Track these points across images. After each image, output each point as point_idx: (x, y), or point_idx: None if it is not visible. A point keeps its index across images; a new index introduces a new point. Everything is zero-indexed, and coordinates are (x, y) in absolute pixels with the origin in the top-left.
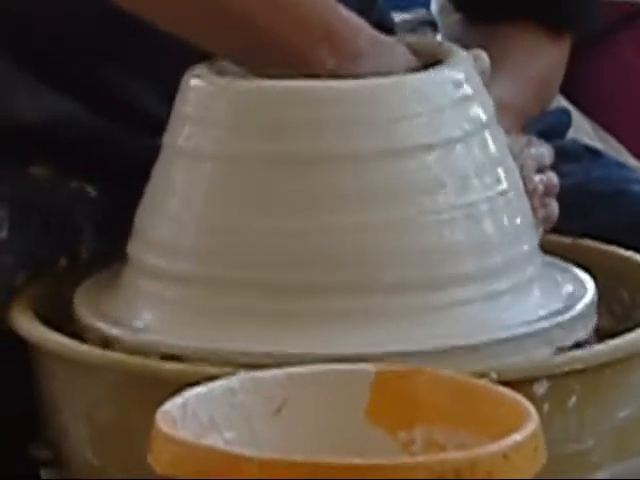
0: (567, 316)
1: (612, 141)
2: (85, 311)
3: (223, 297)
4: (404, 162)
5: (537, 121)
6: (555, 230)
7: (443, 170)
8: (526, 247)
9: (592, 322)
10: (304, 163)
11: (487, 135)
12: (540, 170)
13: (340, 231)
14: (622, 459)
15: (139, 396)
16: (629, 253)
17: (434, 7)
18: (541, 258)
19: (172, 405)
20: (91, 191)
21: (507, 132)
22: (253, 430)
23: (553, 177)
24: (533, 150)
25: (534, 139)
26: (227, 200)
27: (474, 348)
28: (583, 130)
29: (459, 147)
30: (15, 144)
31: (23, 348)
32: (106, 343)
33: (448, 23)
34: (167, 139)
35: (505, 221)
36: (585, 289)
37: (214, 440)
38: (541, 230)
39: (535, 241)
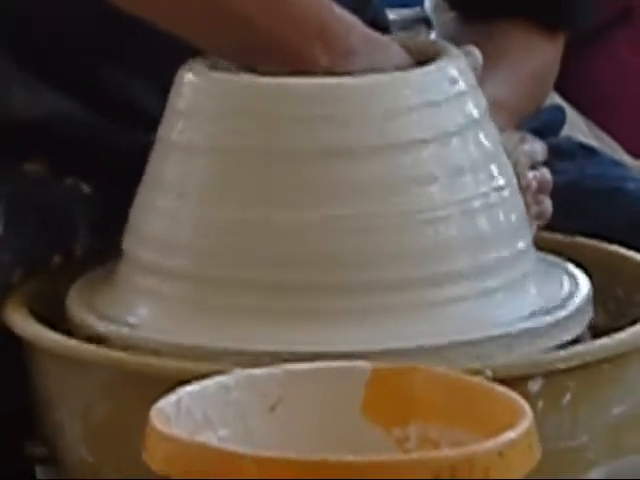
0: (562, 313)
1: (607, 139)
2: (79, 308)
3: (219, 294)
4: (399, 157)
5: (531, 118)
6: (550, 228)
7: (438, 165)
8: (520, 244)
9: (587, 319)
10: (299, 158)
11: (481, 131)
12: (533, 167)
13: (336, 228)
14: (617, 456)
15: (134, 393)
16: (624, 250)
17: (428, 5)
18: (535, 255)
19: (166, 402)
20: (86, 188)
21: (501, 130)
22: (248, 427)
23: (546, 174)
24: (526, 147)
25: (528, 136)
26: (222, 195)
27: (468, 345)
28: (578, 127)
29: (453, 142)
30: (11, 141)
31: (18, 345)
32: (100, 340)
33: (442, 21)
34: (161, 133)
35: (499, 218)
36: (580, 286)
37: (208, 437)
38: (534, 227)
39: (529, 238)
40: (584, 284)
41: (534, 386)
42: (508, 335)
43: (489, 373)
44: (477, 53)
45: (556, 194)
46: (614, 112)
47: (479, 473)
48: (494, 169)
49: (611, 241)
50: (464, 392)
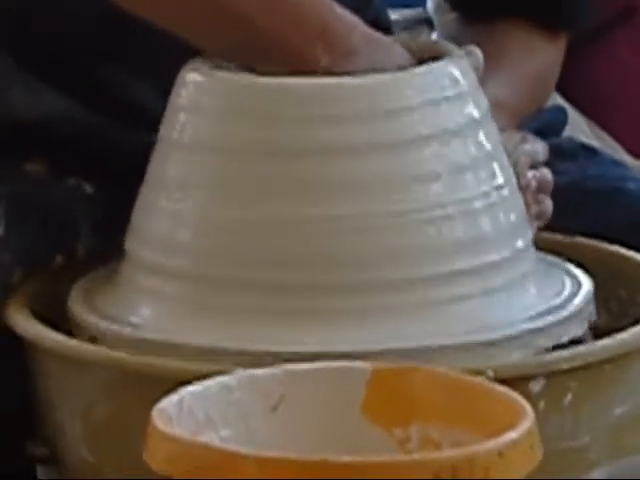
0: (563, 313)
1: (608, 139)
2: (81, 308)
3: (221, 294)
4: (400, 155)
5: (533, 119)
6: (551, 228)
7: (439, 163)
8: (520, 243)
9: (588, 319)
10: (299, 158)
11: (481, 131)
12: (534, 166)
13: (337, 227)
14: (618, 456)
15: (135, 393)
16: (626, 251)
17: (430, 5)
18: (535, 255)
19: (168, 402)
20: (88, 188)
21: (502, 130)
22: (249, 428)
23: (547, 173)
24: (527, 146)
25: (529, 136)
26: (222, 195)
27: (469, 345)
28: (579, 128)
29: (454, 141)
30: (11, 141)
31: (19, 346)
32: (102, 340)
33: (444, 21)
34: (162, 132)
35: (499, 217)
36: (581, 286)
37: (210, 438)
38: (535, 227)
39: (529, 237)
40: (585, 284)
41: (535, 386)
42: (509, 335)
43: (490, 373)
44: (478, 53)
45: (557, 194)
46: (614, 112)
47: (479, 473)
48: (494, 168)
49: (612, 241)
50: (465, 392)
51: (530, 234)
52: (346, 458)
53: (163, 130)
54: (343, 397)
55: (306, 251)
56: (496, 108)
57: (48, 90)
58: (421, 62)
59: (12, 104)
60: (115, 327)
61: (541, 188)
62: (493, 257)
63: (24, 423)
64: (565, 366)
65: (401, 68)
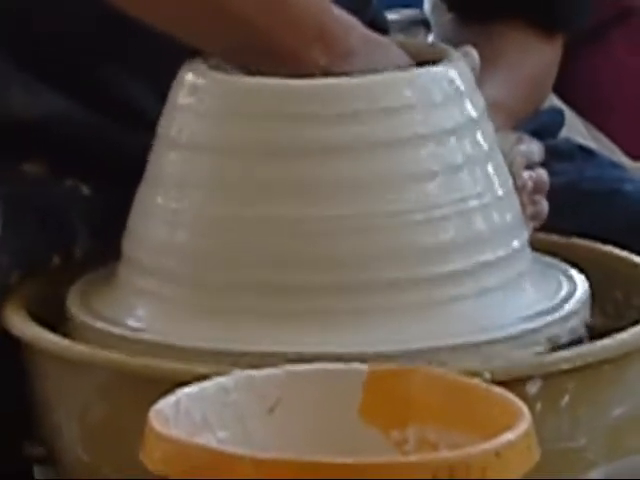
0: (559, 314)
1: (605, 140)
2: (78, 310)
3: (217, 296)
4: (396, 154)
5: (530, 120)
6: (547, 229)
7: (435, 162)
8: (515, 243)
9: (585, 320)
10: (298, 158)
11: (478, 131)
12: (530, 167)
13: (336, 228)
14: (616, 457)
15: (132, 395)
16: (623, 252)
17: (427, 6)
18: (531, 255)
19: (165, 404)
20: (85, 190)
21: (498, 130)
22: (246, 429)
23: (543, 174)
24: (523, 147)
25: (524, 136)
26: (220, 195)
27: (466, 346)
28: (576, 129)
29: (451, 141)
30: (10, 141)
31: (16, 347)
32: (99, 342)
33: (441, 23)
34: (161, 132)
35: (494, 217)
36: (578, 287)
37: (207, 439)
38: (530, 227)
39: (524, 238)
40: (582, 285)
41: (532, 388)
42: (506, 336)
43: (487, 375)
44: (474, 54)
45: (554, 196)
46: (611, 113)
47: (476, 473)
48: (490, 169)
49: (609, 243)
50: (462, 394)
51: (526, 234)
52: (343, 459)
53: (161, 129)
54: (340, 399)
55: (304, 251)
56: (493, 109)
57: (47, 90)
58: (418, 63)
59: (11, 104)
60: (112, 329)
61: (537, 189)
62: (488, 257)
63: (21, 424)
64: (563, 367)
65: (399, 69)
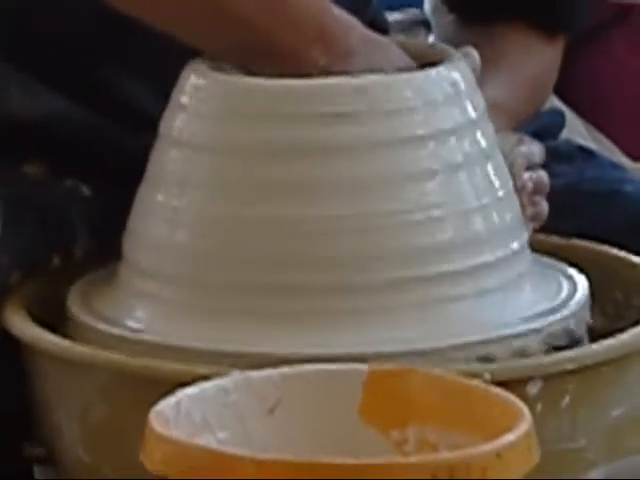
0: (560, 315)
1: (605, 141)
2: (78, 310)
3: (217, 296)
4: (396, 154)
5: (531, 122)
6: (548, 230)
7: (434, 162)
8: (515, 244)
9: (585, 321)
10: (298, 158)
11: (478, 132)
12: (530, 168)
13: (335, 228)
14: (616, 458)
15: (132, 396)
16: (622, 253)
17: (427, 7)
18: (530, 256)
19: (165, 405)
20: (85, 190)
21: (499, 131)
22: (246, 430)
23: (543, 175)
24: (523, 148)
25: (525, 137)
26: (220, 195)
27: (466, 347)
28: (577, 130)
29: (451, 141)
30: (10, 142)
31: (16, 347)
32: (99, 342)
33: (442, 23)
34: (162, 131)
35: (494, 218)
36: (578, 288)
37: (207, 440)
38: (530, 228)
39: (524, 239)
40: (582, 286)
41: (533, 389)
42: (506, 337)
43: (487, 376)
44: (475, 54)
45: (554, 197)
46: (612, 113)
47: (477, 474)
48: (490, 169)
49: (610, 244)
50: (462, 395)
51: (525, 235)
52: (343, 460)
53: (163, 129)
54: (340, 399)
55: (304, 251)
56: (494, 110)
57: (47, 91)
58: (418, 64)
59: (10, 105)
60: (113, 329)
61: (537, 190)
62: (488, 258)
63: (22, 424)
64: (562, 369)
65: (399, 69)
